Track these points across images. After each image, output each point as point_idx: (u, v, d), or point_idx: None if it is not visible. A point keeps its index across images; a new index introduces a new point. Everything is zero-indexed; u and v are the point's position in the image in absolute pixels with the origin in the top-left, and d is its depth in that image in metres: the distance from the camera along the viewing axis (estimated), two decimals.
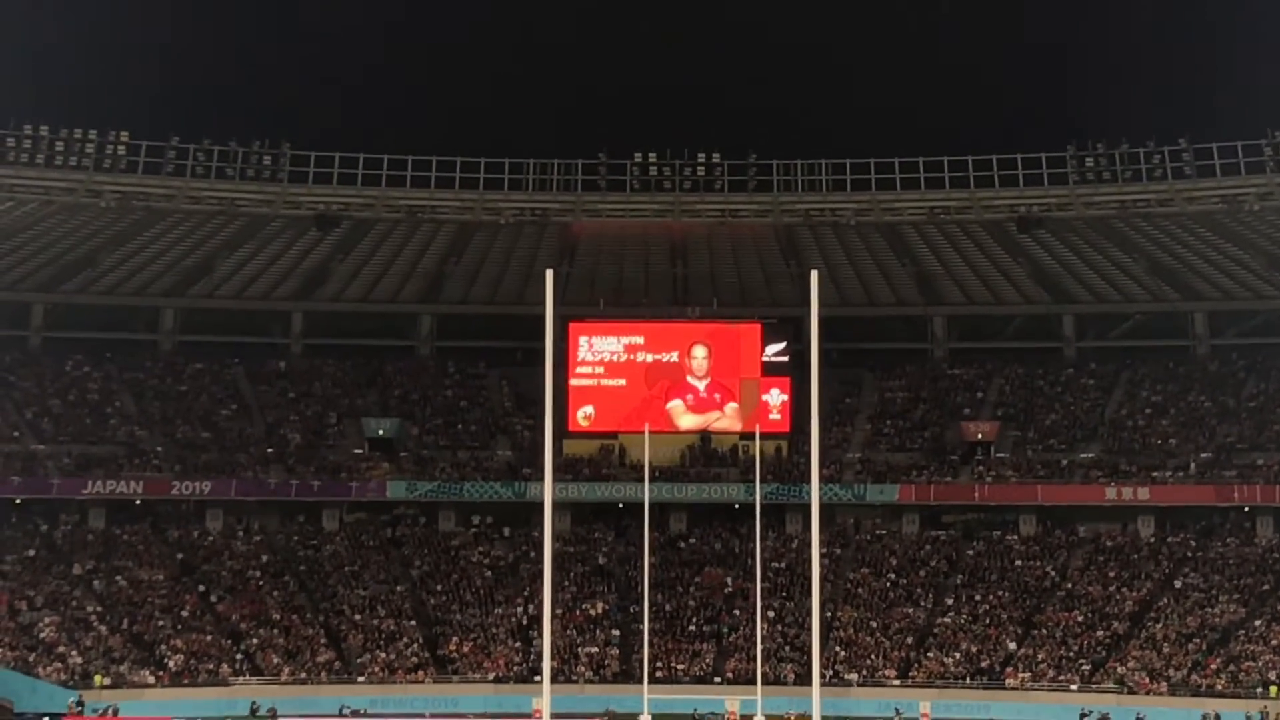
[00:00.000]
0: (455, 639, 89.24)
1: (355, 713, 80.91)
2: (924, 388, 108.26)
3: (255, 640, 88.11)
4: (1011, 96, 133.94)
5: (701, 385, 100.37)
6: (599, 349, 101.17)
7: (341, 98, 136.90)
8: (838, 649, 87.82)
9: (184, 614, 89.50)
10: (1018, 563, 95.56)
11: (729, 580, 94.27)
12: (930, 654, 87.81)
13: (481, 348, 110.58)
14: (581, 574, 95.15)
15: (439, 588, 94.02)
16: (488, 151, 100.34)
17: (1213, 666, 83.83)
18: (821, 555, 53.40)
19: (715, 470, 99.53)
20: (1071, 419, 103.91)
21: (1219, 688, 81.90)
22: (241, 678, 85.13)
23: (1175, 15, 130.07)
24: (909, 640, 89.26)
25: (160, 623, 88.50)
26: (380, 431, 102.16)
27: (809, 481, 51.97)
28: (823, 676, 56.06)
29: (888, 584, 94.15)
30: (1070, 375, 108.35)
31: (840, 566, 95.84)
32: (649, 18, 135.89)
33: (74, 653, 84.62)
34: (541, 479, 58.37)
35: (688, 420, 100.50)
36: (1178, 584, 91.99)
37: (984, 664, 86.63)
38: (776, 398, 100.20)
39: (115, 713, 78.36)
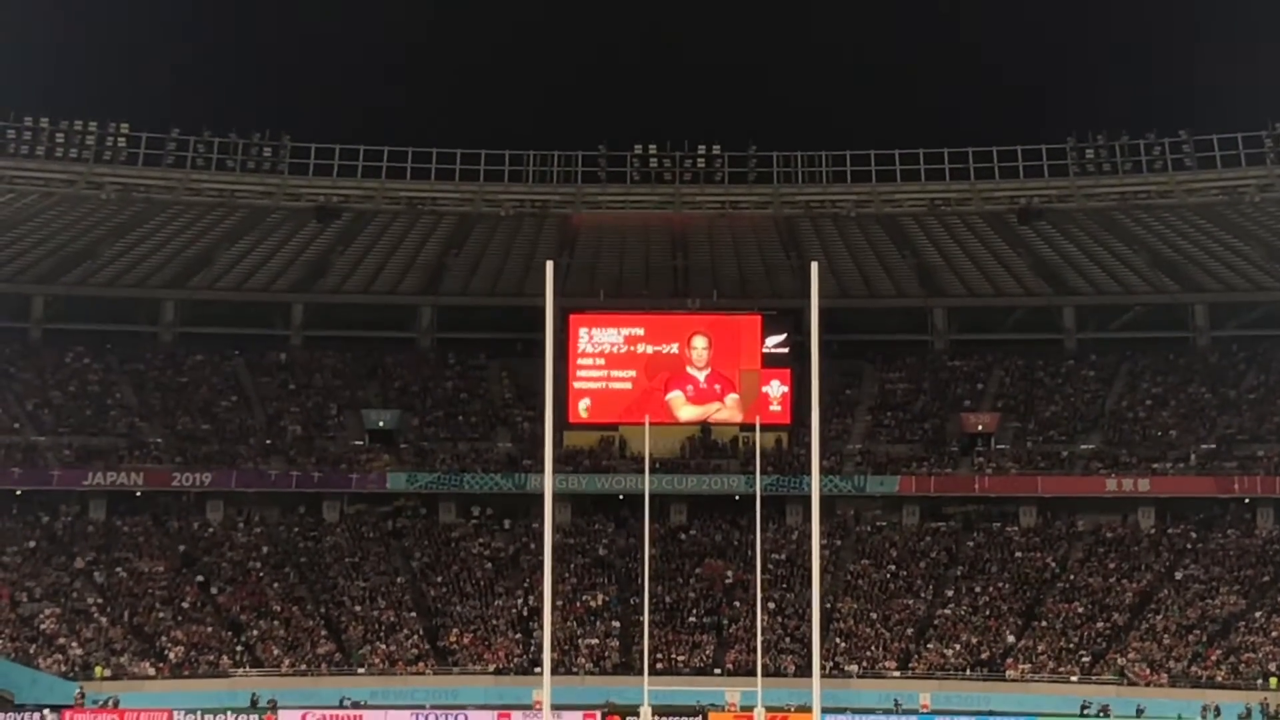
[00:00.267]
0: (456, 630, 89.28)
1: (356, 704, 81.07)
2: (924, 379, 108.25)
3: (256, 632, 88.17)
4: (1012, 87, 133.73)
5: (701, 376, 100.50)
6: (599, 341, 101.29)
7: (342, 89, 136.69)
8: (838, 640, 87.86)
9: (184, 605, 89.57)
10: (1018, 554, 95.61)
11: (729, 572, 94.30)
12: (930, 645, 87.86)
13: (482, 339, 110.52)
14: (582, 565, 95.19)
15: (439, 579, 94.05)
16: (488, 143, 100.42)
17: (1213, 658, 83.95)
18: (822, 547, 53.40)
19: (715, 462, 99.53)
20: (1072, 410, 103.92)
21: (1219, 679, 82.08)
22: (242, 669, 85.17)
23: (1175, 6, 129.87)
24: (909, 632, 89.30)
25: (161, 614, 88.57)
26: (380, 423, 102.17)
27: (809, 473, 52.02)
28: (823, 668, 56.09)
29: (888, 575, 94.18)
30: (1070, 367, 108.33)
31: (840, 558, 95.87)
32: (650, 8, 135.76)
33: (74, 644, 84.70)
34: (542, 470, 58.35)
35: (688, 411, 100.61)
36: (1178, 575, 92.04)
37: (984, 655, 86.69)
38: (777, 389, 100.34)
39: (116, 704, 78.62)
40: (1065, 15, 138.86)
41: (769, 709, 67.36)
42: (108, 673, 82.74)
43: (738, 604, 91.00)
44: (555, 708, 69.98)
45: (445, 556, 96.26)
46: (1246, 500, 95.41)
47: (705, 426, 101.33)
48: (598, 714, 79.22)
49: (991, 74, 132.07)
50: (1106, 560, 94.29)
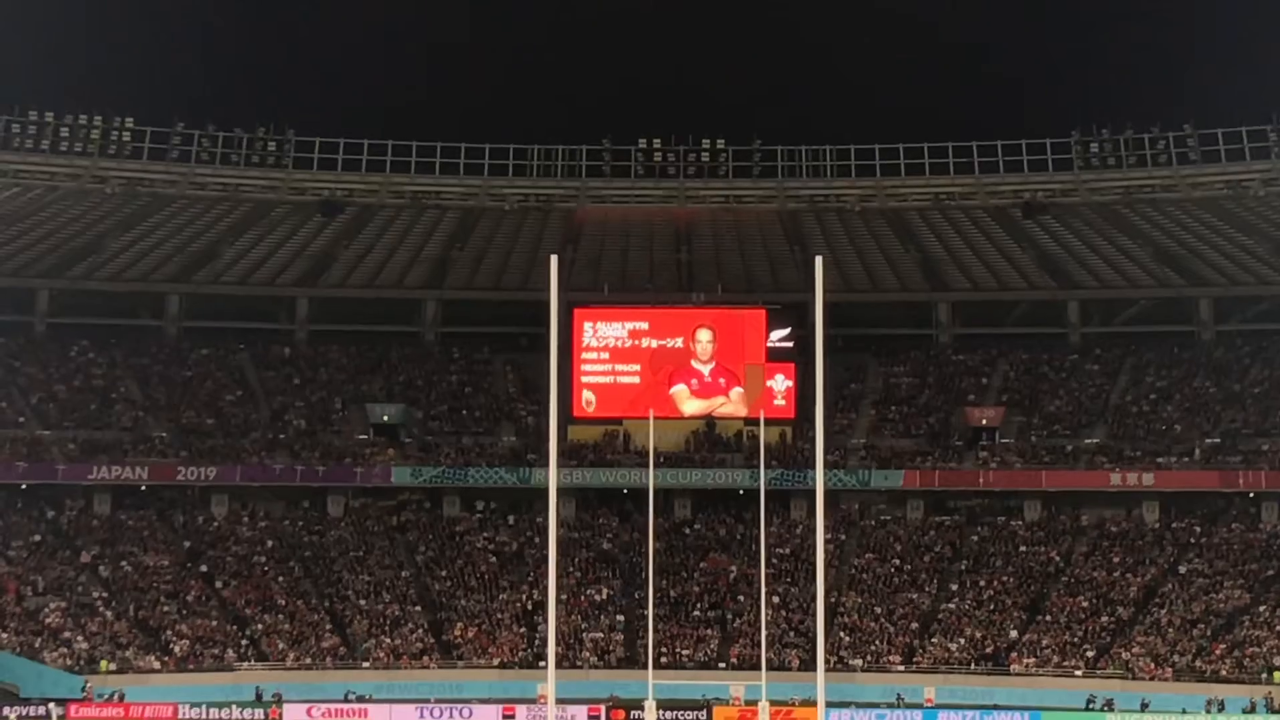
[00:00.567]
0: (460, 625, 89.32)
1: (360, 698, 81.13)
2: (929, 373, 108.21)
3: (260, 626, 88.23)
4: (1017, 82, 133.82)
5: (706, 370, 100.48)
6: (604, 335, 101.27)
7: (346, 84, 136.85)
8: (842, 635, 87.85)
9: (189, 599, 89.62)
10: (1022, 548, 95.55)
11: (733, 566, 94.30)
12: (935, 640, 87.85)
13: (486, 334, 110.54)
14: (586, 560, 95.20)
15: (444, 573, 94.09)
16: (492, 137, 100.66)
17: (1217, 652, 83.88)
18: (826, 541, 53.41)
19: (720, 456, 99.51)
20: (1076, 405, 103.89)
21: (1224, 673, 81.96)
22: (246, 663, 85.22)
23: (1180, 1, 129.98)
24: (914, 626, 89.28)
25: (165, 608, 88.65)
26: (385, 417, 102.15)
27: (814, 467, 51.98)
28: (827, 662, 56.11)
29: (892, 570, 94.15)
30: (1075, 361, 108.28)
31: (845, 552, 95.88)
32: (654, 3, 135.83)
33: (79, 638, 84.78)
34: (546, 465, 58.41)
35: (692, 405, 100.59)
36: (1182, 570, 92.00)
37: (988, 650, 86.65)
38: (781, 383, 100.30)
39: (121, 698, 78.70)
40: (1070, 10, 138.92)
41: (773, 703, 67.46)
42: (113, 666, 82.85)
43: (742, 598, 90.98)
44: (560, 702, 70.18)
45: (450, 551, 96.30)
46: (1251, 494, 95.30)
47: (710, 421, 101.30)
48: (602, 708, 79.16)
49: (996, 68, 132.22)
50: (1111, 554, 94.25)
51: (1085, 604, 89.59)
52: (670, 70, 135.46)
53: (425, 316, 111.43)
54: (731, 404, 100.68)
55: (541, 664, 78.11)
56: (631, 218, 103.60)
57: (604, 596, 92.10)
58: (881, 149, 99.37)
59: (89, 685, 79.59)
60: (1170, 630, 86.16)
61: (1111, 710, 78.41)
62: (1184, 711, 77.07)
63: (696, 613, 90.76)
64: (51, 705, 74.88)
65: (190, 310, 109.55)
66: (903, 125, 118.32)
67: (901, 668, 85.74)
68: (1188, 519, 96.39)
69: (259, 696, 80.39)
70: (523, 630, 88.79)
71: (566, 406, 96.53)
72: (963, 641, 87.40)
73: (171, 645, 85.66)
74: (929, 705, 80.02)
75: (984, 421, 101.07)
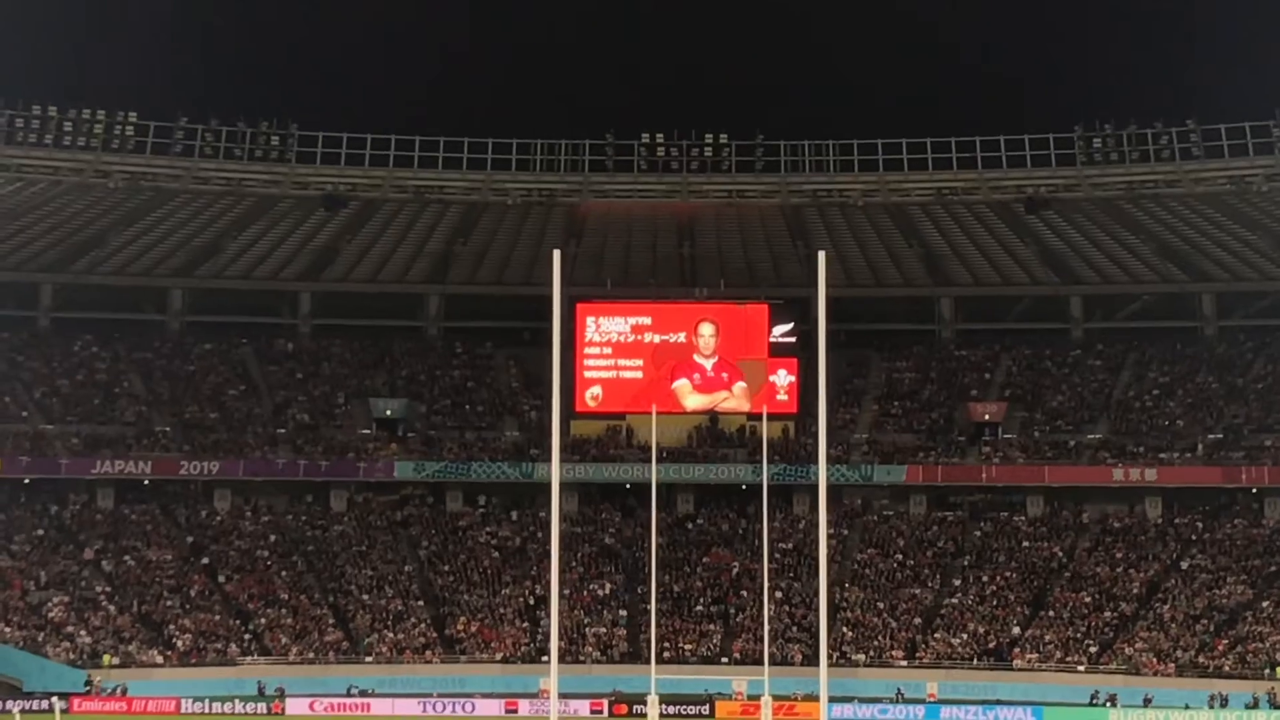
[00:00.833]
0: (463, 619, 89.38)
1: (363, 692, 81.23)
2: (931, 369, 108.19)
3: (263, 620, 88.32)
4: (1019, 77, 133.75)
5: (709, 364, 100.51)
6: (606, 330, 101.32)
7: (349, 78, 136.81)
8: (845, 630, 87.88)
9: (192, 594, 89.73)
10: (1025, 544, 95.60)
11: (736, 561, 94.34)
12: (937, 635, 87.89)
13: (489, 328, 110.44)
14: (588, 554, 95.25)
15: (446, 568, 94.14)
16: (495, 132, 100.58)
17: (1220, 647, 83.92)
18: (829, 536, 53.43)
19: (723, 451, 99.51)
20: (1079, 400, 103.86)
21: (1226, 669, 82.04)
22: (249, 657, 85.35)
23: None
24: (916, 621, 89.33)
25: (168, 602, 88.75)
26: (388, 412, 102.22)
27: (816, 462, 51.98)
28: (830, 657, 56.14)
29: (895, 565, 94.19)
30: (1078, 356, 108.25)
31: (847, 547, 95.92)
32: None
33: (83, 632, 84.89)
34: (549, 460, 58.41)
35: (694, 400, 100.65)
36: (1185, 565, 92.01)
37: (991, 645, 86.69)
38: (784, 379, 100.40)
39: (124, 692, 78.83)
40: (1073, 5, 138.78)
41: (776, 698, 67.45)
42: (116, 661, 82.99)
43: (745, 593, 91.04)
44: (562, 696, 69.97)
45: (452, 545, 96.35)
46: (1254, 490, 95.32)
47: (712, 416, 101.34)
48: (605, 702, 79.30)
49: (999, 63, 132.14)
50: (1114, 550, 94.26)
51: (1088, 599, 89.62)
52: (673, 65, 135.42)
53: (428, 311, 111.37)
54: (734, 399, 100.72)
55: (544, 658, 78.22)
56: (634, 212, 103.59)
57: (606, 591, 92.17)
58: (884, 144, 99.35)
59: (99, 682, 79.72)
60: (1173, 626, 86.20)
61: (1114, 706, 78.49)
62: (1187, 707, 77.14)
63: (699, 607, 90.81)
64: (55, 699, 74.95)
65: (193, 305, 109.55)
66: (906, 120, 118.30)
67: (904, 663, 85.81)
68: (1190, 514, 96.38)
69: (261, 691, 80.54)
70: (525, 625, 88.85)
71: (569, 401, 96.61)
72: (965, 637, 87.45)
73: (174, 639, 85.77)
74: (932, 700, 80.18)
75: (986, 417, 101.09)
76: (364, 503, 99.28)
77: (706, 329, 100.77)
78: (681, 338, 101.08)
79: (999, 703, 79.77)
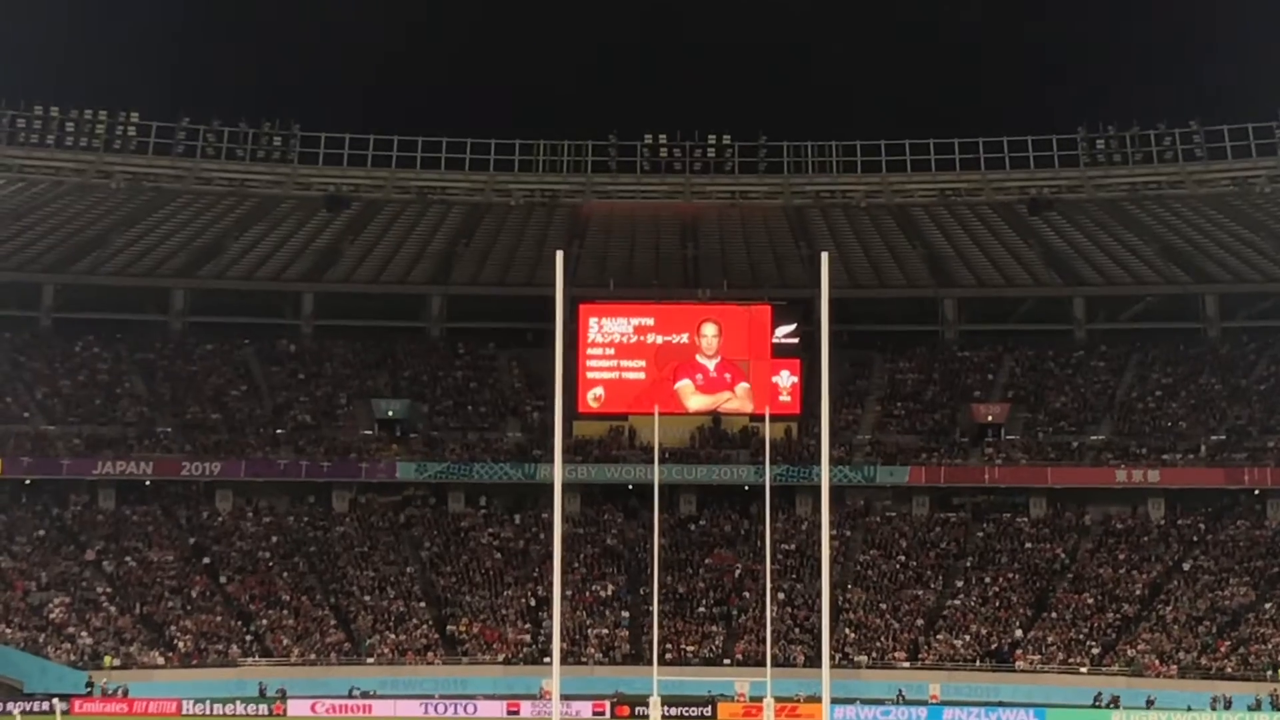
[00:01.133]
0: (465, 620, 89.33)
1: (365, 694, 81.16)
2: (934, 370, 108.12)
3: (265, 621, 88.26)
4: (1022, 78, 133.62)
5: (711, 365, 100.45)
6: (609, 330, 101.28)
7: (352, 78, 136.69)
8: (847, 631, 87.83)
9: (193, 595, 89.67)
10: (1027, 545, 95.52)
11: (739, 562, 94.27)
12: (940, 636, 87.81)
13: (491, 329, 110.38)
14: (591, 555, 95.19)
15: (448, 569, 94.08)
16: (498, 133, 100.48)
17: (1223, 649, 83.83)
18: (831, 537, 53.32)
19: (725, 452, 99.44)
20: (1082, 401, 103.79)
21: (1229, 670, 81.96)
22: (251, 659, 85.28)
23: None
24: (919, 622, 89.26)
25: (170, 603, 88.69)
26: (390, 412, 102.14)
27: (819, 463, 51.89)
28: (832, 658, 56.04)
29: (897, 566, 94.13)
30: (1080, 357, 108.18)
31: (850, 548, 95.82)
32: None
33: (84, 633, 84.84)
34: (551, 460, 58.36)
35: (696, 401, 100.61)
36: (1187, 566, 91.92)
37: (993, 646, 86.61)
38: (786, 380, 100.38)
39: (125, 693, 78.77)
40: (1076, 6, 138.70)
41: (778, 699, 67.48)
42: (117, 662, 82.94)
43: (747, 594, 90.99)
44: (564, 698, 69.95)
45: (455, 546, 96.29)
46: (1256, 491, 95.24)
47: (715, 416, 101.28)
48: (607, 704, 79.21)
49: (1002, 64, 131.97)
50: (1116, 551, 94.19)
51: (1090, 601, 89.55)
52: (676, 66, 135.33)
53: (431, 312, 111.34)
54: (737, 400, 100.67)
55: (546, 660, 78.26)
56: (637, 213, 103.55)
57: (609, 592, 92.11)
58: (887, 145, 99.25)
59: (104, 683, 79.69)
60: (1175, 627, 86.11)
61: (1117, 707, 78.39)
62: (1189, 708, 77.04)
63: (701, 609, 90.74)
64: (56, 700, 74.92)
65: (195, 305, 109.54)
66: (909, 121, 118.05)
67: (906, 664, 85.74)
68: (1193, 516, 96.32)
69: (263, 692, 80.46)
70: (527, 626, 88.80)
71: (572, 402, 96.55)
72: (968, 638, 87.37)
73: (175, 641, 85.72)
74: (934, 702, 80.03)
75: (989, 418, 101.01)
76: (366, 504, 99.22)
77: (709, 329, 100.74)
78: (684, 338, 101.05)
79: (1001, 704, 79.64)
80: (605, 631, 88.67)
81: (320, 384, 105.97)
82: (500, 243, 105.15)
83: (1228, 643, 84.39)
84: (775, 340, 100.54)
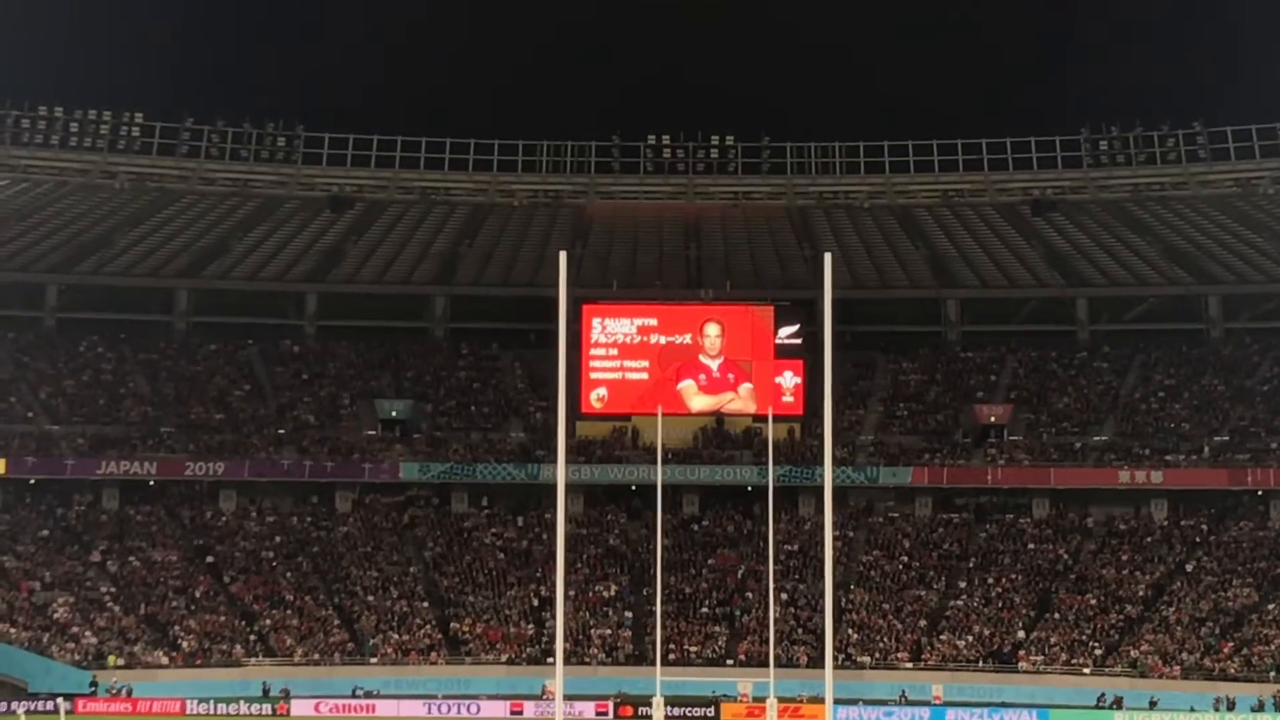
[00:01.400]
0: (468, 620, 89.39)
1: (368, 694, 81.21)
2: (937, 370, 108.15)
3: (268, 621, 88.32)
4: (1025, 79, 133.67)
5: (714, 365, 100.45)
6: (612, 331, 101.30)
7: (356, 79, 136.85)
8: (850, 632, 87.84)
9: (197, 595, 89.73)
10: (1030, 546, 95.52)
11: (741, 563, 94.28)
12: (943, 637, 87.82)
13: (495, 329, 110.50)
14: (594, 556, 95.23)
15: (452, 569, 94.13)
16: (501, 133, 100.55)
17: (1226, 650, 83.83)
18: (834, 538, 53.35)
19: (728, 452, 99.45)
20: (1085, 402, 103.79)
21: (1232, 671, 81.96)
22: (254, 658, 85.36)
23: None
24: (921, 623, 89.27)
25: (173, 603, 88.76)
26: (394, 413, 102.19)
27: (822, 464, 51.98)
28: (835, 659, 56.07)
29: (900, 566, 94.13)
30: (1084, 358, 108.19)
31: (853, 549, 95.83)
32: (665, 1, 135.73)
33: (88, 633, 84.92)
34: (554, 461, 58.37)
35: (699, 401, 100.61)
36: (1190, 567, 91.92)
37: (996, 647, 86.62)
38: (789, 380, 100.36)
39: (129, 693, 78.84)
40: (1079, 6, 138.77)
41: (781, 700, 67.38)
42: (121, 662, 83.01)
43: (750, 595, 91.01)
44: (567, 698, 69.90)
45: (458, 547, 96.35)
46: (1259, 492, 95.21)
47: (718, 417, 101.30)
48: (610, 704, 79.26)
49: (1005, 65, 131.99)
50: (1119, 552, 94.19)
51: (1093, 602, 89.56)
52: (679, 67, 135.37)
53: (434, 312, 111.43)
54: (740, 400, 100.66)
55: (549, 660, 78.27)
56: (640, 214, 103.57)
57: (612, 593, 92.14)
58: (890, 146, 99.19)
59: (113, 683, 79.78)
60: (1179, 628, 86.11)
61: (1120, 708, 78.42)
62: (1192, 709, 77.08)
63: (704, 609, 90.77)
64: (60, 700, 75.00)
65: (199, 305, 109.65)
66: (912, 122, 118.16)
67: (909, 665, 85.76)
68: (1196, 517, 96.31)
69: (266, 692, 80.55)
70: (530, 626, 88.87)
71: (575, 402, 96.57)
72: (971, 639, 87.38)
73: (179, 641, 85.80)
74: (937, 703, 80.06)
75: (992, 419, 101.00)
76: (369, 504, 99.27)
77: (712, 329, 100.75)
78: (687, 339, 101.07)
79: (1004, 705, 79.66)
80: (608, 632, 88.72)
81: (324, 384, 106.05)
82: (504, 243, 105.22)
83: (1231, 644, 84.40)
84: (778, 341, 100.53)
